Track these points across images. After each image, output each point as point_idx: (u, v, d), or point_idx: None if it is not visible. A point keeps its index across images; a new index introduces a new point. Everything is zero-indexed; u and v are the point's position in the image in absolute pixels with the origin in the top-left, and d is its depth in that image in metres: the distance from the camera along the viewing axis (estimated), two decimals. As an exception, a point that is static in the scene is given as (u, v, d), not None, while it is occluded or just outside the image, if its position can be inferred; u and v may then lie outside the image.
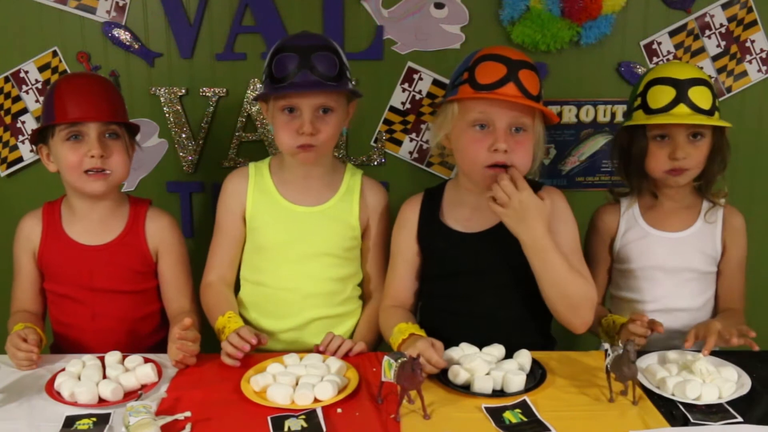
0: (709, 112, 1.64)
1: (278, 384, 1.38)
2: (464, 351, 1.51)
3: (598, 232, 1.85)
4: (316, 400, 1.35)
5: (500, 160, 1.54)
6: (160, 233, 1.77)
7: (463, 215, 1.68)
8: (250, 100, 2.13)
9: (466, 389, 1.41)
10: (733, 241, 1.77)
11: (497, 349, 1.52)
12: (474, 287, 1.66)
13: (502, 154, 1.54)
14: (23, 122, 2.17)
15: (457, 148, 1.62)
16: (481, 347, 1.53)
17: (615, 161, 1.83)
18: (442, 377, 1.45)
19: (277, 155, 1.84)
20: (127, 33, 2.11)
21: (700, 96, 1.63)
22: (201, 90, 2.14)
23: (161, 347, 1.67)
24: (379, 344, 1.78)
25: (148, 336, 1.78)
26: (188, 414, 1.30)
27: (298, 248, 1.74)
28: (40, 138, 1.71)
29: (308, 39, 1.68)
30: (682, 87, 1.63)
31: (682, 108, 1.62)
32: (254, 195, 1.76)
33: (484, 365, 1.44)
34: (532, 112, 1.57)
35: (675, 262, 1.76)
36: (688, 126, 1.65)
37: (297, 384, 1.40)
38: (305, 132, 1.62)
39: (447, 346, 1.51)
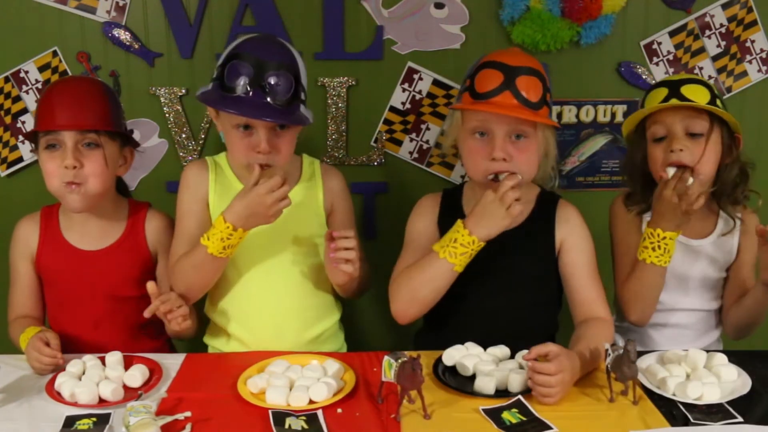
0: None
1: (275, 386, 1.37)
2: (468, 350, 1.51)
3: (620, 219, 1.79)
4: (311, 402, 1.35)
5: (500, 169, 1.54)
6: (158, 235, 1.75)
7: None
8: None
9: (466, 390, 1.40)
10: (747, 245, 1.73)
11: (501, 350, 1.52)
12: (483, 289, 1.65)
13: (502, 162, 1.54)
14: (23, 122, 2.16)
15: (462, 156, 1.64)
16: (485, 348, 1.53)
17: (626, 172, 1.81)
18: (442, 377, 1.45)
19: None
20: (127, 33, 2.11)
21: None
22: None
23: (162, 352, 1.67)
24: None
25: (149, 341, 1.76)
26: (188, 414, 1.30)
27: (265, 240, 1.66)
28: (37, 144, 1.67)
29: (268, 51, 1.57)
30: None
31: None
32: (216, 188, 1.68)
33: (486, 365, 1.44)
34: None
35: (685, 269, 1.74)
36: (682, 119, 1.62)
37: (293, 386, 1.39)
38: (262, 151, 1.56)
39: (450, 345, 1.51)
